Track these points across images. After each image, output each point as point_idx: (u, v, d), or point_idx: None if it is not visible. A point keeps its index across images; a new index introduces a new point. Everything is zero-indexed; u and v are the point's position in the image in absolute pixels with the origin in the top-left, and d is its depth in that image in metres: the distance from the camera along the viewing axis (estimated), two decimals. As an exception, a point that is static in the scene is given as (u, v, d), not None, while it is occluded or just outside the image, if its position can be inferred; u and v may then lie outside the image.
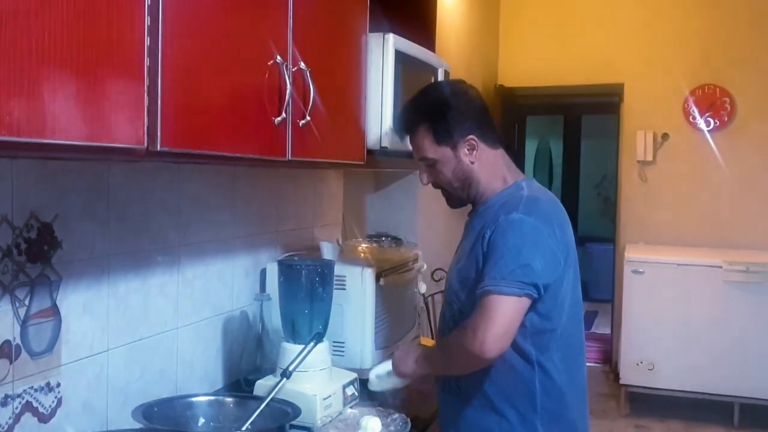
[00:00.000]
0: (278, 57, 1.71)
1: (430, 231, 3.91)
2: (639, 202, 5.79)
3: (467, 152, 1.88)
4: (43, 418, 1.63)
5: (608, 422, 5.10)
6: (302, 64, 1.81)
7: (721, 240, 5.48)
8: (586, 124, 9.98)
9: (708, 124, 5.57)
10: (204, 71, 1.48)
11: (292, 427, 1.85)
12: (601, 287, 7.23)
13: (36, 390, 1.61)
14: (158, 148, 1.32)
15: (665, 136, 5.68)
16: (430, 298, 3.68)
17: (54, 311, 1.64)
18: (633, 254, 5.25)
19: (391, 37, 2.31)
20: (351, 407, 2.07)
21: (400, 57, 2.38)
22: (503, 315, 1.68)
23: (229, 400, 1.95)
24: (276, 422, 1.75)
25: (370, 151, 2.33)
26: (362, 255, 2.64)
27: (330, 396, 2.03)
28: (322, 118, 1.92)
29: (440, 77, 2.75)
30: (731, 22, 5.48)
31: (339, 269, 2.30)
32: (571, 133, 10.25)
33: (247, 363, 2.24)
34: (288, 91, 1.74)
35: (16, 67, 1.03)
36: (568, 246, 1.84)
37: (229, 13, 1.55)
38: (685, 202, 5.63)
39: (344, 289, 2.33)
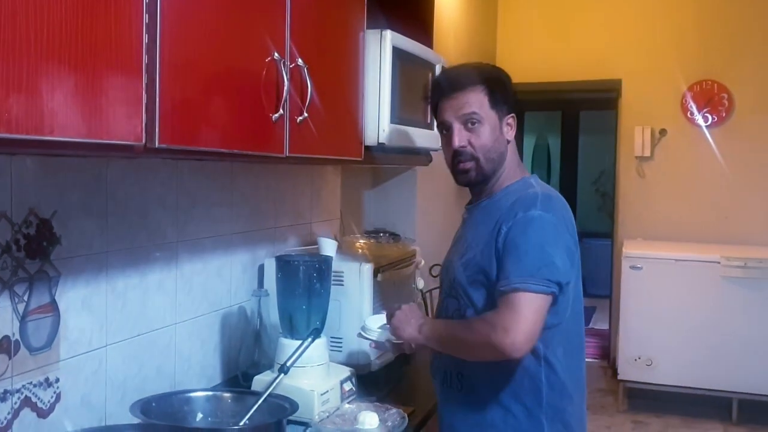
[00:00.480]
0: (276, 54, 1.72)
1: (427, 227, 3.91)
2: (637, 198, 5.80)
3: (507, 128, 1.91)
4: (42, 414, 1.64)
5: (606, 418, 5.12)
6: (300, 61, 1.82)
7: (718, 235, 5.49)
8: (584, 119, 9.98)
9: (706, 119, 5.57)
10: (202, 68, 1.48)
11: (290, 422, 1.86)
12: (599, 283, 7.23)
13: (35, 385, 1.61)
14: (156, 144, 1.33)
15: (663, 131, 5.69)
16: (428, 294, 3.69)
17: (53, 307, 1.65)
18: (631, 250, 5.26)
19: (388, 34, 2.32)
20: (348, 402, 2.07)
21: (398, 53, 2.38)
22: (534, 313, 1.68)
23: (227, 395, 1.95)
24: (274, 417, 1.75)
25: (367, 148, 2.33)
26: (360, 251, 2.65)
27: (327, 391, 2.04)
28: (320, 114, 1.92)
29: (437, 73, 2.75)
30: (729, 18, 5.48)
31: (337, 265, 2.30)
32: (569, 129, 10.25)
33: (245, 358, 2.25)
34: (285, 88, 1.74)
35: (14, 64, 1.03)
36: (576, 242, 1.86)
37: (227, 10, 1.56)
38: (683, 197, 5.64)
39: (342, 284, 2.34)
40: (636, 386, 5.26)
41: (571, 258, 1.79)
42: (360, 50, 2.27)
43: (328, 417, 1.95)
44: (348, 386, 2.14)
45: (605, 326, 6.59)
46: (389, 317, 1.95)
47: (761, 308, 4.87)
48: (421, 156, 2.94)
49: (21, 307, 1.57)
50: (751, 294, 4.89)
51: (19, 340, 1.57)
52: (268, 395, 1.80)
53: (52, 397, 1.66)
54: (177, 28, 1.38)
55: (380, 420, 1.91)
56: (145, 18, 1.30)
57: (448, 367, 1.91)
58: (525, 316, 1.67)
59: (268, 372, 2.10)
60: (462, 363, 1.85)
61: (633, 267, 5.17)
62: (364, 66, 2.29)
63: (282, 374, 1.89)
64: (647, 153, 5.69)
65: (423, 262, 2.82)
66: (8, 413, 1.55)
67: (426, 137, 2.67)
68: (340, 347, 2.35)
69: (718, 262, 4.94)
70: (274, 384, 1.84)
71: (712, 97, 5.55)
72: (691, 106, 5.59)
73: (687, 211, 5.62)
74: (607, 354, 6.18)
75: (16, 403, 1.57)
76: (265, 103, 1.70)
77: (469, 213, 1.98)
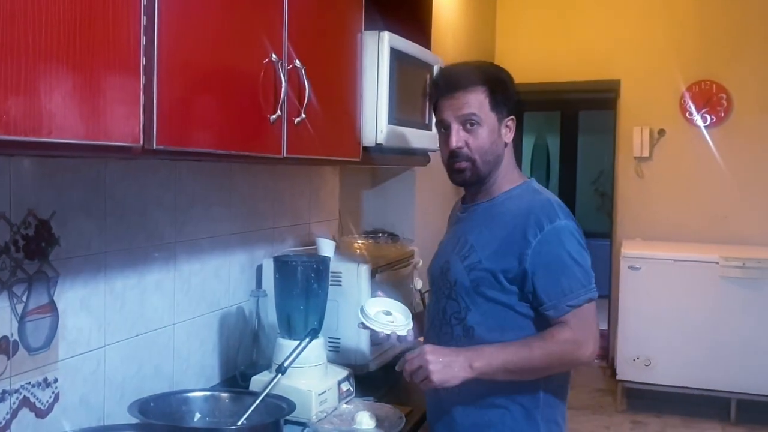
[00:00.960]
0: (273, 55, 1.72)
1: (426, 227, 3.92)
2: (635, 198, 5.81)
3: (506, 130, 1.91)
4: (41, 414, 1.64)
5: (605, 418, 5.12)
6: (297, 62, 1.82)
7: (717, 235, 5.49)
8: (583, 120, 9.99)
9: (704, 120, 5.58)
10: (199, 70, 1.49)
11: (288, 422, 1.87)
12: (597, 283, 7.19)
13: (33, 385, 1.62)
14: (154, 146, 1.33)
15: (662, 132, 5.70)
16: (426, 294, 3.69)
17: (51, 307, 1.66)
18: (629, 250, 5.26)
19: (386, 35, 2.32)
20: (346, 403, 2.08)
21: (395, 54, 2.39)
22: (595, 319, 1.81)
23: (225, 395, 1.96)
24: (271, 417, 1.76)
25: (365, 148, 2.34)
26: (358, 251, 2.66)
27: (325, 391, 2.04)
28: (317, 115, 1.93)
29: (437, 72, 2.75)
30: (728, 18, 5.48)
31: (335, 265, 2.31)
32: (568, 129, 10.25)
33: (243, 358, 2.25)
34: (283, 89, 1.75)
35: (13, 66, 1.04)
36: None
37: (225, 11, 1.56)
38: (682, 198, 5.64)
39: (340, 285, 2.34)
40: (635, 386, 5.26)
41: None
42: (358, 51, 2.27)
43: (325, 417, 1.95)
44: (345, 386, 2.15)
45: (604, 326, 6.58)
46: (418, 371, 1.76)
47: (760, 308, 4.88)
48: (419, 156, 2.94)
49: (20, 308, 1.58)
50: (750, 294, 4.89)
51: (18, 340, 1.58)
52: (266, 395, 1.80)
53: (50, 397, 1.67)
54: (175, 29, 1.38)
55: (377, 420, 1.92)
56: (143, 20, 1.30)
57: None
58: (593, 327, 1.79)
59: (266, 372, 2.11)
60: None
61: (632, 267, 5.17)
62: (362, 67, 2.30)
63: (280, 374, 1.90)
64: (646, 153, 5.70)
65: (421, 262, 2.82)
66: (7, 413, 1.56)
67: (424, 138, 2.68)
68: (338, 347, 2.35)
69: (717, 263, 4.94)
70: (272, 384, 1.84)
71: (710, 98, 5.55)
72: (689, 107, 5.60)
73: (686, 211, 5.63)
74: (606, 354, 6.17)
75: (14, 403, 1.57)
76: (263, 105, 1.71)
77: (467, 213, 1.97)
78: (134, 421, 1.67)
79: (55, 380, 1.68)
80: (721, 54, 5.52)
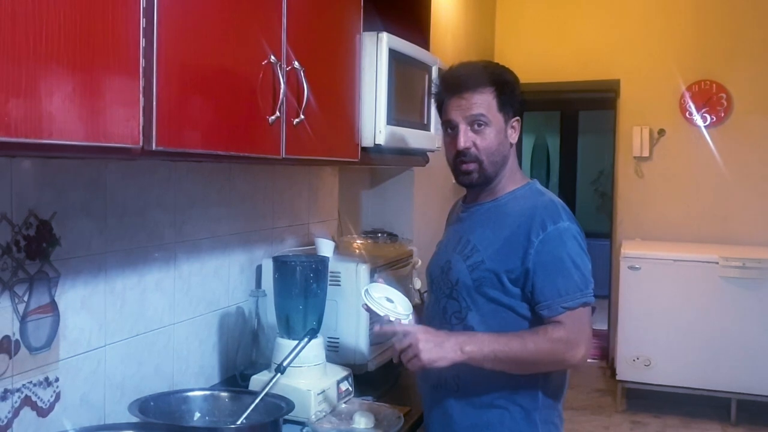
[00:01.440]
0: (272, 56, 1.73)
1: (425, 227, 3.93)
2: (635, 198, 5.81)
3: (512, 131, 1.92)
4: (42, 413, 1.65)
5: (604, 418, 5.13)
6: (296, 64, 1.84)
7: (717, 236, 5.50)
8: (583, 120, 9.99)
9: (704, 119, 5.58)
10: (198, 71, 1.50)
11: (287, 421, 1.88)
12: (597, 283, 7.17)
13: (35, 384, 1.63)
14: (153, 147, 1.34)
15: (662, 131, 5.70)
16: (425, 294, 3.70)
17: (52, 307, 1.67)
18: (629, 250, 5.26)
19: (384, 36, 2.33)
20: (345, 402, 2.09)
21: (394, 55, 2.40)
22: (590, 324, 1.82)
23: (224, 394, 1.97)
24: (270, 417, 1.77)
25: (364, 149, 2.35)
26: (357, 251, 2.67)
27: (324, 391, 2.05)
28: (316, 116, 1.94)
29: (434, 75, 2.76)
30: (727, 18, 5.49)
31: (334, 265, 2.32)
32: (567, 129, 10.26)
33: (242, 358, 2.26)
34: (282, 90, 1.76)
35: (13, 69, 1.05)
36: None
37: (224, 13, 1.58)
38: (682, 197, 5.65)
39: (339, 285, 2.35)
40: (634, 386, 5.27)
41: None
42: (356, 52, 2.28)
43: (324, 416, 1.97)
44: (344, 386, 2.16)
45: (604, 326, 6.58)
46: (408, 350, 1.75)
47: (759, 308, 4.88)
48: (418, 157, 2.95)
49: (21, 308, 1.59)
50: (750, 294, 4.90)
51: (19, 339, 1.59)
52: (265, 395, 1.81)
53: (51, 396, 1.68)
54: (174, 32, 1.39)
55: (376, 420, 1.93)
56: (143, 22, 1.31)
57: (443, 370, 1.83)
58: (587, 331, 1.80)
59: (266, 372, 2.12)
60: (460, 365, 1.77)
61: (631, 267, 5.17)
62: (361, 68, 2.31)
63: (279, 374, 1.90)
64: (646, 153, 5.70)
65: (420, 262, 2.83)
66: (8, 412, 1.57)
67: (422, 138, 2.69)
68: (337, 347, 2.36)
69: (717, 263, 4.95)
70: (271, 383, 1.85)
71: (710, 97, 5.56)
72: (689, 106, 5.60)
73: (685, 211, 5.64)
74: (606, 354, 6.18)
75: (16, 402, 1.59)
76: (262, 106, 1.72)
77: (469, 213, 1.97)
78: (134, 420, 1.68)
79: (56, 379, 1.69)
80: (720, 54, 5.52)
